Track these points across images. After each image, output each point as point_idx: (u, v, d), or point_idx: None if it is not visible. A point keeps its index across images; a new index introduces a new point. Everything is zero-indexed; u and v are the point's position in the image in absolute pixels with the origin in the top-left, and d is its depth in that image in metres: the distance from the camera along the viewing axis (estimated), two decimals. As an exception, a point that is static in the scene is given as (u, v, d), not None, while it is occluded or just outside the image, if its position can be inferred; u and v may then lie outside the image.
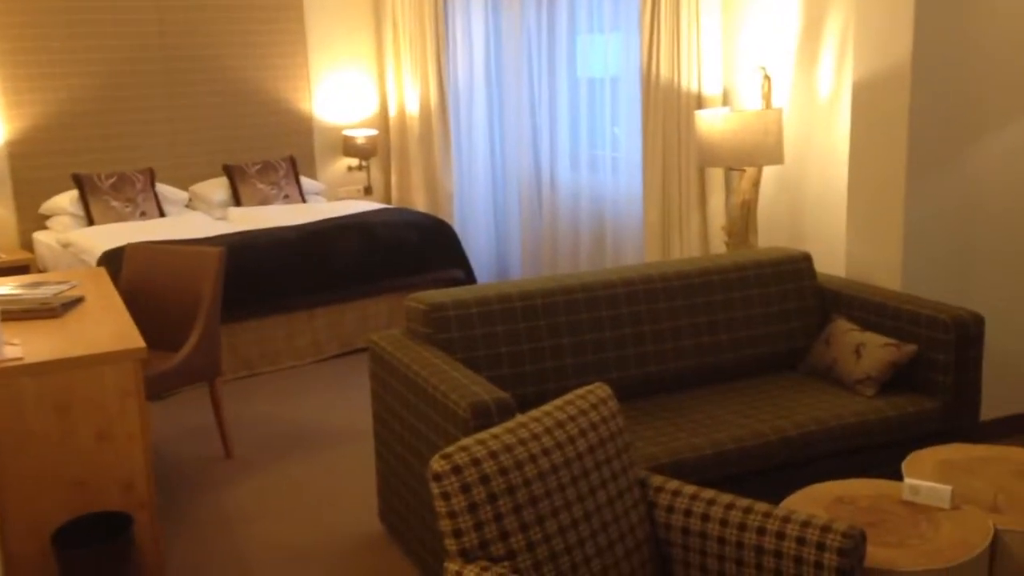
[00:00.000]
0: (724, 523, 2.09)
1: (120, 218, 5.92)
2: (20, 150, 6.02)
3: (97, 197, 5.92)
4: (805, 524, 1.99)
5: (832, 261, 4.17)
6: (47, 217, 6.05)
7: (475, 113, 6.66)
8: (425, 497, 2.90)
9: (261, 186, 6.36)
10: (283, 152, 6.75)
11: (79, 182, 5.95)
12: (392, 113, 6.86)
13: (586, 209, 5.81)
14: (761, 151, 4.01)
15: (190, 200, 6.37)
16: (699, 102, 4.69)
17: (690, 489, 2.19)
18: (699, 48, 4.65)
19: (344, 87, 6.94)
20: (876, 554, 2.11)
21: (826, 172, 4.22)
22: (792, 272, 3.55)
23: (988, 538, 2.11)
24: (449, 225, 5.86)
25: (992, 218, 3.68)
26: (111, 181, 6.02)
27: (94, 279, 3.92)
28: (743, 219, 4.26)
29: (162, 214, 6.08)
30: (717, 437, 2.88)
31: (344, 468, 3.93)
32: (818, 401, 3.11)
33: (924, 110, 3.46)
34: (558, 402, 2.18)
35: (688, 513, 2.14)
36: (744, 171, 4.24)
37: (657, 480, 2.24)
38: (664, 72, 4.71)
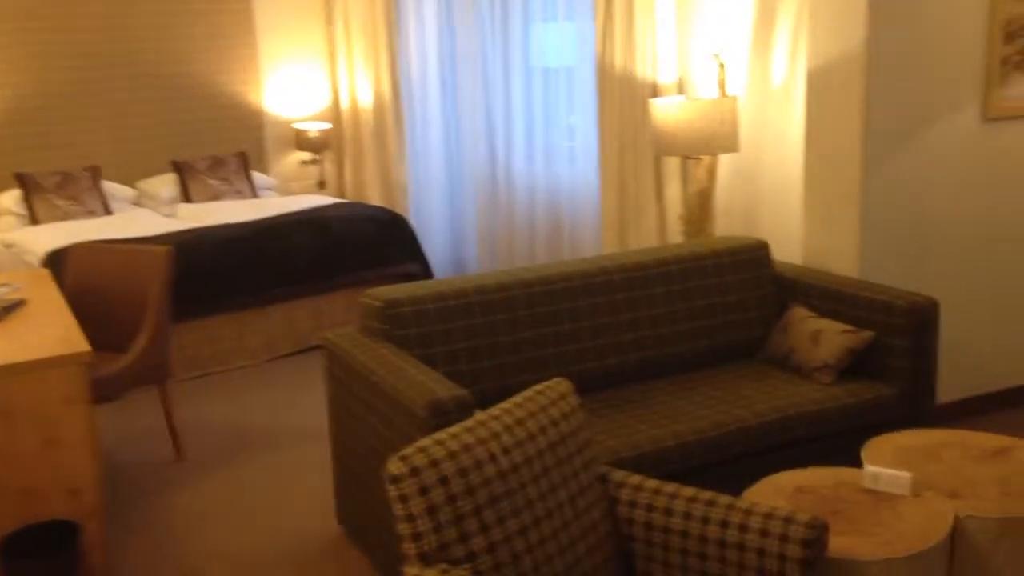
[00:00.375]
0: (687, 517, 2.06)
1: (65, 217, 5.77)
2: (-41, 148, 5.85)
3: (41, 196, 5.76)
4: (768, 516, 1.97)
5: (789, 248, 4.18)
6: (-11, 217, 5.89)
7: (429, 104, 6.58)
8: (384, 498, 2.84)
9: (211, 182, 6.23)
10: (233, 147, 6.62)
11: (22, 181, 5.78)
12: (345, 105, 6.76)
13: (543, 200, 5.77)
14: (717, 139, 4.00)
15: (138, 197, 6.23)
16: (654, 91, 4.67)
17: (652, 484, 2.16)
18: (654, 36, 4.62)
19: (295, 80, 6.82)
20: (838, 543, 2.10)
21: (782, 160, 4.22)
22: (749, 261, 3.55)
23: (949, 525, 2.11)
24: (404, 219, 5.79)
25: (947, 204, 3.71)
26: (55, 179, 5.86)
27: (37, 281, 3.81)
28: (700, 208, 4.25)
29: (109, 212, 5.94)
30: (678, 429, 2.86)
31: (300, 469, 3.86)
32: (777, 390, 3.11)
33: (879, 97, 3.47)
34: (517, 399, 2.14)
35: (650, 508, 2.11)
36: (700, 160, 4.23)
37: (618, 475, 2.21)
38: (619, 61, 4.68)
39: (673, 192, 4.72)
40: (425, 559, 1.83)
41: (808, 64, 3.66)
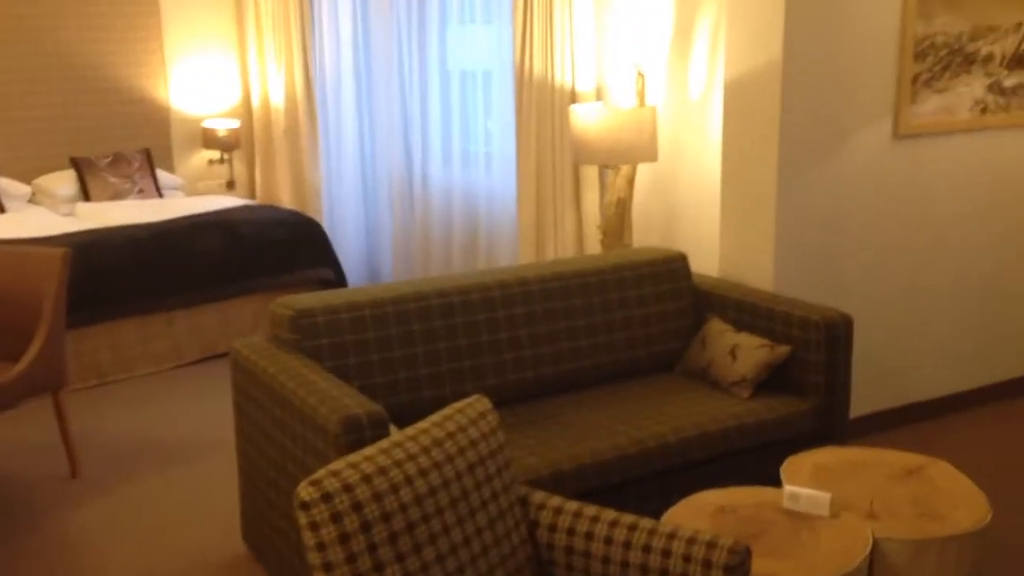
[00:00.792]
0: (608, 542, 2.01)
1: (-47, 214, 5.45)
2: None
3: (-74, 191, 5.44)
4: (691, 541, 1.94)
5: (705, 260, 4.19)
6: None
7: (343, 105, 6.44)
8: (293, 517, 2.73)
9: (113, 180, 5.97)
10: (137, 144, 6.35)
11: (-95, 175, 5.45)
12: (256, 103, 6.56)
13: (459, 206, 5.69)
14: (636, 149, 3.98)
15: (33, 195, 5.93)
16: (573, 98, 4.63)
17: (572, 506, 2.10)
18: (572, 43, 4.59)
19: (203, 75, 6.59)
20: (759, 565, 2.08)
21: (699, 171, 4.23)
22: (668, 273, 3.53)
23: (867, 547, 2.11)
24: (317, 223, 5.64)
25: (859, 218, 3.76)
26: (-58, 174, 5.53)
27: (-81, 284, 3.56)
28: (618, 217, 4.23)
29: (2, 210, 5.63)
30: (596, 445, 2.81)
31: (204, 484, 3.70)
32: (695, 404, 3.09)
33: (794, 111, 3.49)
34: (435, 418, 2.06)
35: (571, 532, 2.06)
36: (619, 169, 4.21)
37: (539, 497, 2.15)
38: (537, 66, 4.64)
39: (591, 201, 4.69)
40: (337, 591, 1.74)
41: (725, 76, 3.66)
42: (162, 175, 6.24)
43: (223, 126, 6.47)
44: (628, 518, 2.04)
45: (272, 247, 5.32)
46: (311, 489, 1.77)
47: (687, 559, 1.92)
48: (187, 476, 3.76)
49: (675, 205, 4.39)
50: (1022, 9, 3.93)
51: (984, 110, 3.92)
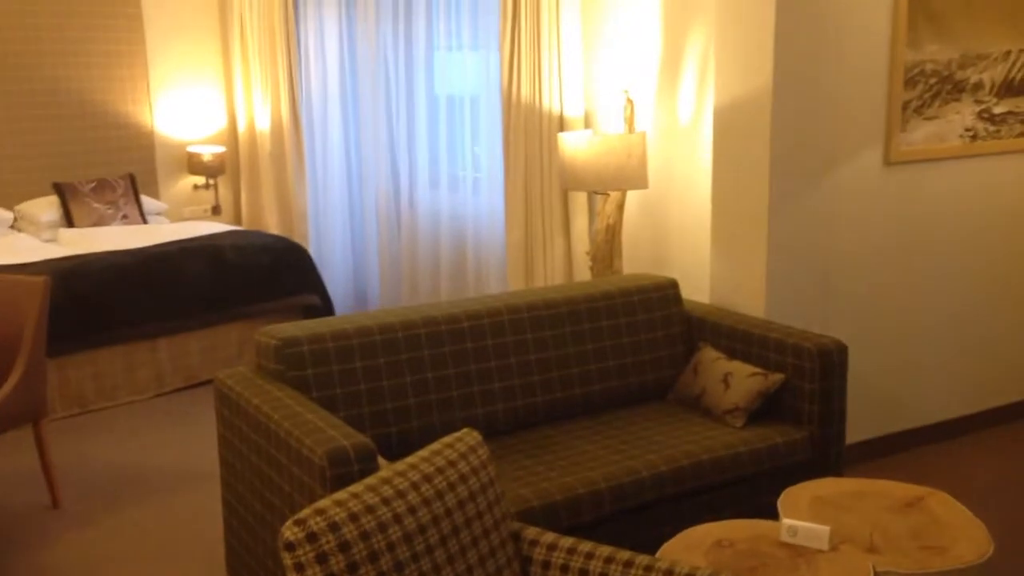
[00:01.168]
0: (603, 579, 1.95)
1: (-67, 240, 5.37)
2: None
3: (-94, 217, 5.36)
4: (688, 578, 1.88)
5: (696, 286, 4.15)
6: None
7: (330, 130, 6.40)
8: (279, 552, 2.66)
9: (96, 205, 5.90)
10: (121, 169, 6.29)
11: None
12: (241, 128, 6.52)
13: (447, 231, 5.65)
14: (625, 175, 3.95)
15: (15, 220, 5.85)
16: (561, 124, 4.61)
17: (566, 542, 2.05)
18: (560, 69, 4.57)
19: (188, 101, 6.54)
20: (758, 602, 2.03)
21: (689, 196, 4.20)
22: (659, 299, 3.49)
23: (868, 581, 2.06)
24: (303, 248, 5.59)
25: (851, 245, 3.74)
26: (-77, 199, 5.46)
27: None
28: (608, 244, 4.19)
29: (-17, 236, 5.56)
30: (589, 476, 2.76)
31: (188, 515, 3.62)
32: (689, 433, 3.04)
33: (785, 138, 3.47)
34: (424, 453, 2.00)
35: (565, 569, 2.00)
36: (608, 195, 4.18)
37: (531, 533, 2.09)
38: (525, 92, 4.61)
39: (580, 227, 4.66)
40: (323, 635, 1.68)
41: (715, 102, 3.65)
42: (147, 201, 6.17)
43: (208, 151, 6.42)
44: (624, 554, 1.98)
45: (258, 273, 5.26)
46: (296, 529, 1.71)
47: (685, 598, 1.86)
48: (171, 508, 3.68)
49: (665, 231, 4.36)
50: (1011, 37, 3.93)
51: (974, 137, 3.92)
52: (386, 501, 1.82)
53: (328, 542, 1.71)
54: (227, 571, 3.11)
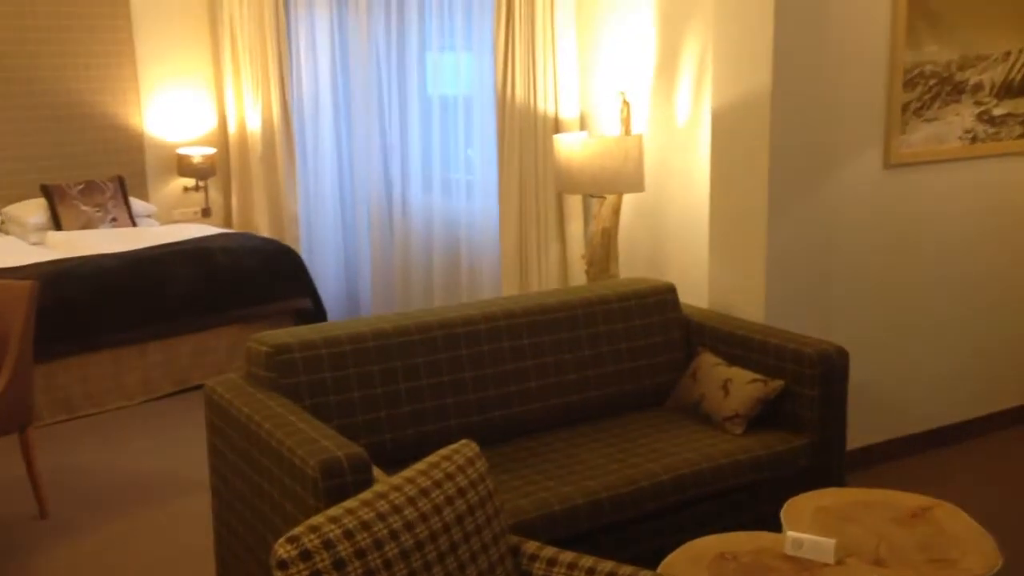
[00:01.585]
0: (605, 595, 1.90)
1: (-82, 243, 5.28)
2: None
3: None
4: (693, 594, 1.83)
5: (693, 290, 4.10)
6: None
7: (321, 131, 6.33)
8: (270, 564, 2.59)
9: (85, 208, 5.83)
10: (110, 171, 6.21)
11: None
12: (232, 130, 6.44)
13: (440, 234, 5.59)
14: (622, 178, 3.90)
15: (2, 223, 5.77)
16: (556, 126, 4.56)
17: (567, 557, 1.99)
18: (555, 70, 4.52)
19: (178, 102, 6.46)
20: (763, 617, 1.98)
21: (687, 200, 4.16)
22: (657, 304, 3.44)
23: (876, 595, 2.02)
24: (294, 251, 5.52)
25: (851, 248, 3.69)
26: (-92, 202, 5.38)
27: None
28: (604, 247, 4.14)
29: (-31, 239, 5.48)
30: (588, 485, 2.70)
31: (178, 525, 3.55)
32: (688, 441, 2.99)
33: (784, 140, 3.43)
34: (421, 465, 1.95)
35: (566, 585, 1.95)
36: (604, 198, 4.13)
37: (530, 547, 2.04)
38: (520, 94, 4.56)
39: (575, 231, 4.61)
40: (317, 657, 1.62)
41: (712, 105, 3.60)
42: (136, 203, 6.10)
43: (198, 153, 6.35)
44: (626, 569, 1.93)
45: (248, 276, 5.19)
46: (289, 547, 1.65)
47: (690, 615, 1.81)
48: (160, 517, 3.62)
49: (662, 235, 4.32)
50: (1010, 38, 3.89)
51: (974, 139, 3.88)
52: (382, 517, 1.76)
53: (323, 560, 1.65)
54: (218, 582, 3.05)
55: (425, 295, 5.72)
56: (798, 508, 2.43)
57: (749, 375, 3.13)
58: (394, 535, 1.76)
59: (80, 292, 4.67)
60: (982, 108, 3.88)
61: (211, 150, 6.40)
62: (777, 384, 3.09)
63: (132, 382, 4.87)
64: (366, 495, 1.81)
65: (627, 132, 4.18)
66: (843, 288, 3.70)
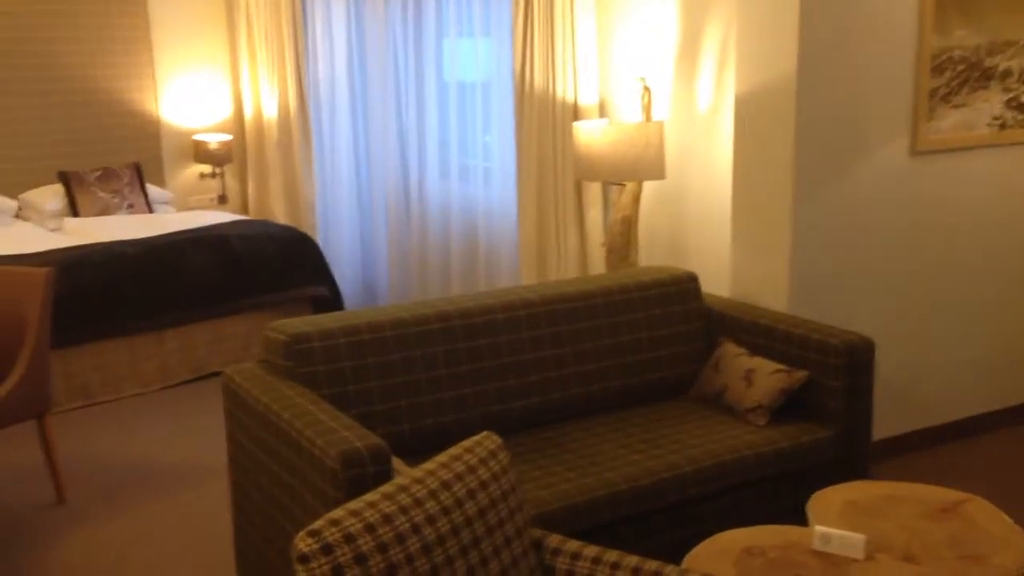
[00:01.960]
0: (630, 591, 1.87)
1: (-63, 230, 5.28)
2: None
3: (-92, 206, 5.27)
4: (720, 591, 1.79)
5: (714, 279, 4.05)
6: None
7: (338, 117, 6.29)
8: (290, 555, 2.57)
9: (102, 194, 5.81)
10: (127, 157, 6.19)
11: None
12: (248, 116, 6.41)
13: (457, 221, 5.55)
14: (642, 165, 3.85)
15: (20, 209, 5.76)
16: (575, 112, 4.50)
17: (591, 551, 1.96)
18: (575, 55, 4.46)
19: (194, 88, 6.44)
20: (790, 614, 1.94)
21: (708, 187, 4.10)
22: (678, 293, 3.39)
23: (907, 592, 1.97)
24: (311, 238, 5.49)
25: (877, 236, 3.63)
26: (-74, 188, 5.37)
27: None
28: (623, 235, 4.09)
29: (-13, 225, 5.48)
30: (609, 477, 2.67)
31: (197, 513, 3.54)
32: (711, 432, 2.95)
33: (809, 124, 3.37)
34: (442, 458, 1.91)
35: (590, 580, 1.91)
36: (624, 185, 4.08)
37: (554, 541, 2.00)
38: (538, 79, 4.51)
39: (595, 219, 4.56)
40: (339, 653, 1.59)
41: (736, 90, 3.54)
42: (152, 189, 6.08)
43: (215, 139, 6.32)
44: (651, 564, 1.89)
45: (265, 263, 5.17)
46: (310, 540, 1.62)
47: (717, 612, 1.77)
48: (178, 504, 3.61)
49: (682, 223, 4.26)
50: (1040, 21, 3.81)
51: (1003, 126, 3.80)
52: (404, 510, 1.73)
53: (344, 554, 1.62)
54: (237, 572, 3.03)
55: (443, 283, 5.69)
56: (825, 502, 2.39)
57: (772, 365, 3.08)
58: (415, 529, 1.72)
59: (96, 279, 4.66)
60: (1011, 95, 3.80)
61: (227, 136, 6.38)
62: (801, 374, 3.04)
63: (149, 369, 4.87)
64: (387, 488, 1.78)
65: (647, 118, 4.12)
66: (869, 276, 3.64)
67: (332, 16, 6.19)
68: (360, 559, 1.63)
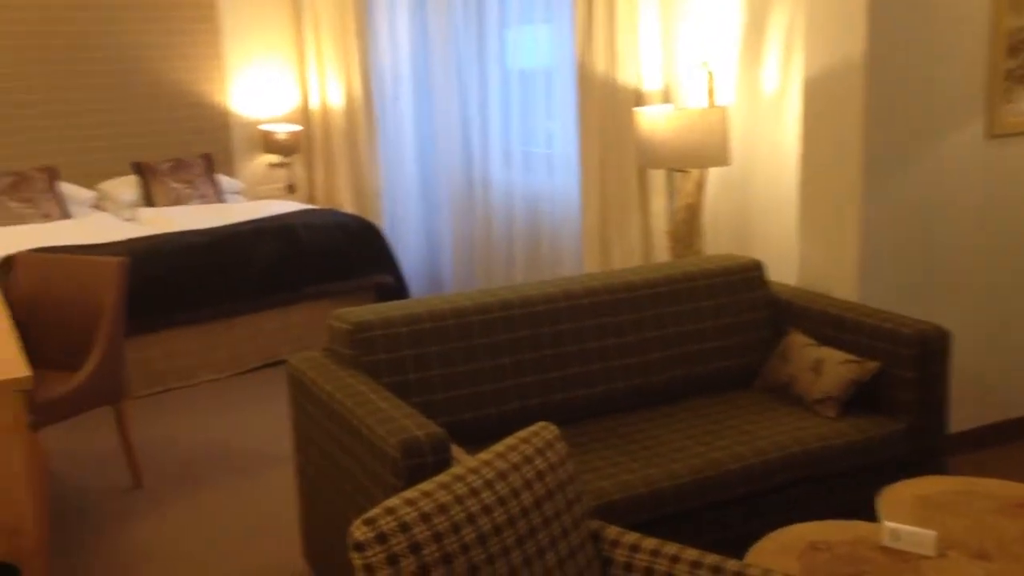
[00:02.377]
0: (690, 584, 1.84)
1: (19, 220, 5.47)
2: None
3: (-8, 198, 5.46)
4: (782, 586, 1.76)
5: (781, 267, 3.97)
6: (-64, 220, 5.57)
7: (402, 107, 6.33)
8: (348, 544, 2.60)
9: (175, 185, 5.95)
10: (198, 148, 6.33)
11: (-29, 182, 5.48)
12: (314, 107, 6.49)
13: (520, 209, 5.54)
14: (706, 151, 3.79)
15: (98, 200, 5.93)
16: (638, 98, 4.44)
17: (650, 543, 1.93)
18: (637, 40, 4.40)
19: (262, 79, 6.54)
20: (856, 611, 1.89)
21: (774, 173, 4.02)
22: (743, 282, 3.33)
23: (979, 591, 1.91)
24: (377, 227, 5.54)
25: (951, 223, 3.51)
26: (8, 180, 5.56)
27: (-23, 295, 3.53)
28: (688, 223, 4.04)
29: (66, 216, 5.64)
30: (673, 468, 2.63)
31: (266, 498, 3.60)
32: (778, 424, 2.89)
33: (880, 108, 3.27)
34: (499, 448, 1.91)
35: (649, 572, 1.89)
36: (688, 172, 4.02)
37: (612, 533, 1.98)
38: (600, 66, 4.46)
39: (658, 206, 4.50)
40: (395, 642, 1.60)
41: (804, 73, 3.45)
42: (223, 180, 6.20)
43: (283, 130, 6.42)
44: (712, 558, 1.86)
45: (332, 252, 5.23)
46: (365, 529, 1.63)
47: (779, 608, 1.74)
48: (249, 488, 3.68)
49: (748, 210, 4.18)
50: None
51: (1087, 105, 3.64)
52: (459, 500, 1.73)
53: (399, 543, 1.63)
54: (303, 555, 3.08)
55: (507, 269, 5.69)
56: (896, 497, 2.32)
57: (842, 356, 3.00)
58: (471, 519, 1.72)
59: (168, 268, 4.77)
60: (1096, 73, 3.63)
61: (295, 127, 6.47)
62: (873, 365, 2.96)
63: (221, 356, 4.97)
64: (443, 477, 1.78)
65: (712, 104, 4.05)
66: (942, 265, 3.53)
67: (395, 6, 6.22)
68: (415, 548, 1.64)
